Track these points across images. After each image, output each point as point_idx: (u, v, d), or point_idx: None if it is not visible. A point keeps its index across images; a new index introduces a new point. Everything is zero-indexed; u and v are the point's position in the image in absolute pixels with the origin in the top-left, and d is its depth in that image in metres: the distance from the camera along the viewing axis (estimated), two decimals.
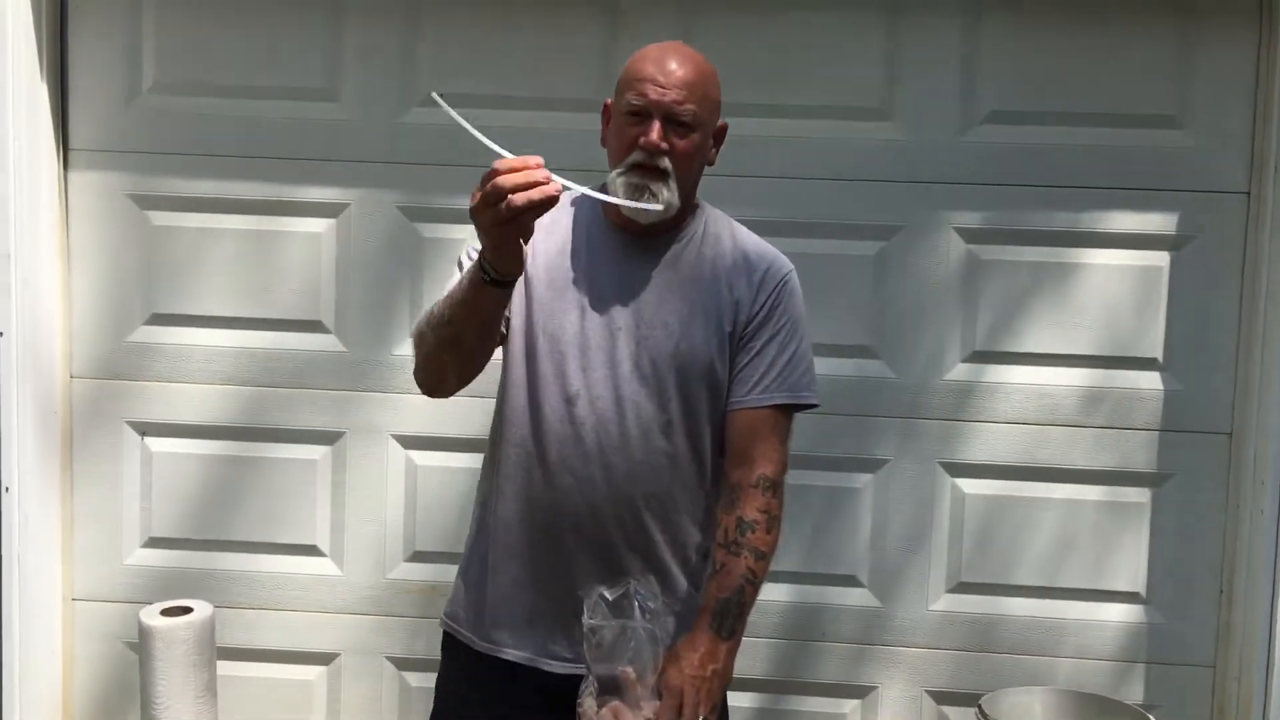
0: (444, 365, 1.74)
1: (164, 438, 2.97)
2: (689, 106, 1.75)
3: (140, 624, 1.52)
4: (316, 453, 2.95)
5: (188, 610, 1.53)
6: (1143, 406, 2.86)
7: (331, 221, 2.92)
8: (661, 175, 1.74)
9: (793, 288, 1.87)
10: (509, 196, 1.46)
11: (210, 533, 2.97)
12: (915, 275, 2.86)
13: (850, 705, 2.95)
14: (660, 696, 1.61)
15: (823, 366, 2.81)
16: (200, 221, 2.92)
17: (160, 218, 2.94)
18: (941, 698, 2.93)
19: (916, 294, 2.86)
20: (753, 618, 2.97)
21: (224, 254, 2.93)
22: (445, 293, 1.72)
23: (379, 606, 2.98)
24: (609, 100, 1.83)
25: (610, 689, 1.62)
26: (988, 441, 2.88)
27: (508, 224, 1.49)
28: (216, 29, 2.89)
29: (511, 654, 1.86)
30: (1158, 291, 2.83)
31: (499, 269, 1.56)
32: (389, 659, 2.99)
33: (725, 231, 1.89)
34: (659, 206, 1.73)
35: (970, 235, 2.85)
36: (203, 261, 2.93)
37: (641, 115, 1.74)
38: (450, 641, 1.96)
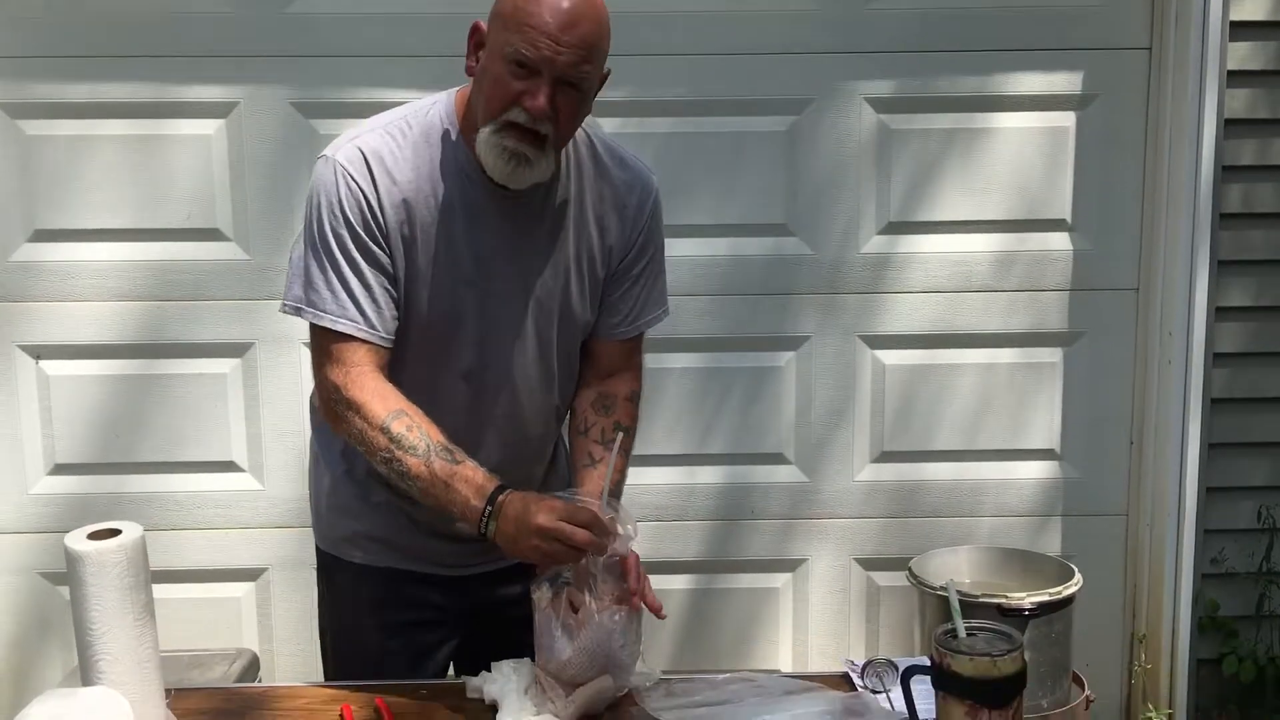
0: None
1: (60, 360, 2.83)
2: (585, 69, 1.58)
3: (67, 550, 1.44)
4: (226, 366, 2.85)
5: (116, 532, 1.45)
6: (1053, 268, 2.90)
7: (220, 122, 2.77)
8: (540, 140, 1.58)
9: (659, 211, 1.83)
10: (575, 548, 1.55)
11: (119, 456, 2.86)
12: (828, 148, 2.83)
13: (782, 579, 3.01)
14: (613, 574, 1.60)
15: (739, 246, 2.84)
16: (79, 129, 2.75)
17: (35, 126, 2.75)
18: (869, 564, 3.00)
19: (830, 168, 2.84)
20: (683, 501, 3.00)
21: (108, 162, 2.76)
22: (393, 438, 1.61)
23: (304, 518, 2.88)
24: (481, 23, 1.62)
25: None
26: (905, 312, 2.90)
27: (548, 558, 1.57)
28: None
29: (414, 566, 1.84)
30: (1064, 152, 2.85)
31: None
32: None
33: (585, 155, 1.77)
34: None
35: (881, 105, 2.82)
36: (85, 171, 2.76)
37: (529, 69, 1.55)
38: (334, 562, 1.91)
